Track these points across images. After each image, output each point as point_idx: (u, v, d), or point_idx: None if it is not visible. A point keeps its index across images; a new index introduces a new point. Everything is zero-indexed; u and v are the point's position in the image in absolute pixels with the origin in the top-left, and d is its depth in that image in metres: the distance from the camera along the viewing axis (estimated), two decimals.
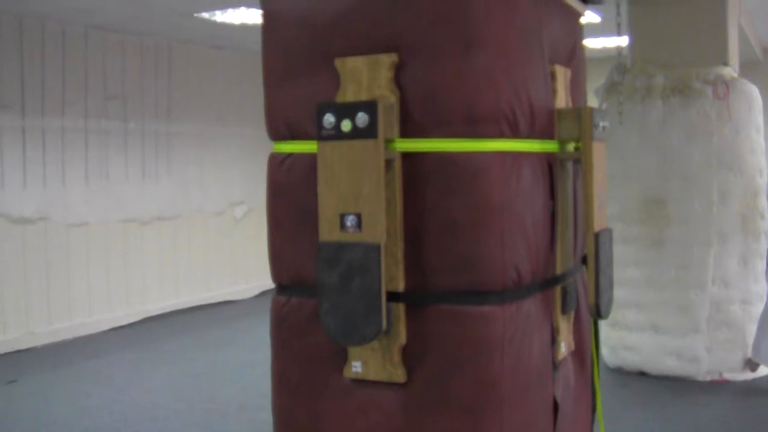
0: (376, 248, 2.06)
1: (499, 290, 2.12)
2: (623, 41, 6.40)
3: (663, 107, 6.14)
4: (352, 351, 2.24)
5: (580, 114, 2.35)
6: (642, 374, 6.30)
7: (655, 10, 6.37)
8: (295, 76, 2.32)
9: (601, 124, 2.40)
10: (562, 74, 2.43)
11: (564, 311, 2.42)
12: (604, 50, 9.63)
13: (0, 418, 5.69)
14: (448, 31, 2.11)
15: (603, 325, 6.53)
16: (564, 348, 2.43)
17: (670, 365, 6.17)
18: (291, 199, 2.33)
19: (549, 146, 2.33)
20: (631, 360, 6.35)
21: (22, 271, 7.64)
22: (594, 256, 2.35)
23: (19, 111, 7.54)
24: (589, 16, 7.69)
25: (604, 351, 6.53)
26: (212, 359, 7.30)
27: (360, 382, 2.25)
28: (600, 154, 2.40)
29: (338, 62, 2.22)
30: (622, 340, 6.37)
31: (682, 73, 6.12)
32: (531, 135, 2.22)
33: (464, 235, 2.11)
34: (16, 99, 7.53)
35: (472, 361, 2.12)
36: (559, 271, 2.40)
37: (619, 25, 5.45)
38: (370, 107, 2.06)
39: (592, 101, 6.80)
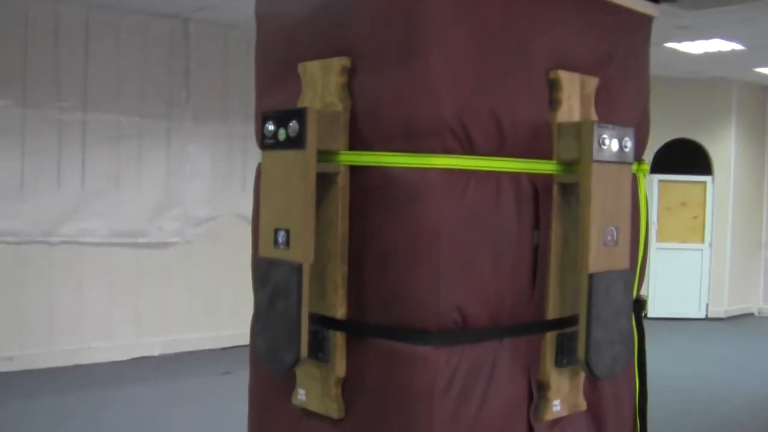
0: (298, 269, 1.87)
1: (433, 330, 1.83)
2: None
3: None
4: (299, 377, 2.06)
5: (580, 129, 1.96)
6: None
7: None
8: (274, 83, 2.21)
9: (617, 142, 1.98)
10: (576, 83, 2.03)
11: (559, 363, 2.03)
12: None
13: (214, 404, 6.22)
14: (393, 34, 1.87)
15: None
16: (559, 407, 2.04)
17: None
18: None
19: (535, 166, 1.96)
20: None
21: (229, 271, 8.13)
22: (587, 301, 1.94)
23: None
24: None
25: None
26: None
27: (305, 412, 2.07)
28: (612, 179, 1.98)
29: (301, 67, 2.06)
30: None
31: None
32: (500, 152, 1.89)
33: (395, 264, 1.85)
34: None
35: (399, 408, 1.86)
36: (551, 315, 2.02)
37: None
38: (299, 115, 1.88)
39: None
